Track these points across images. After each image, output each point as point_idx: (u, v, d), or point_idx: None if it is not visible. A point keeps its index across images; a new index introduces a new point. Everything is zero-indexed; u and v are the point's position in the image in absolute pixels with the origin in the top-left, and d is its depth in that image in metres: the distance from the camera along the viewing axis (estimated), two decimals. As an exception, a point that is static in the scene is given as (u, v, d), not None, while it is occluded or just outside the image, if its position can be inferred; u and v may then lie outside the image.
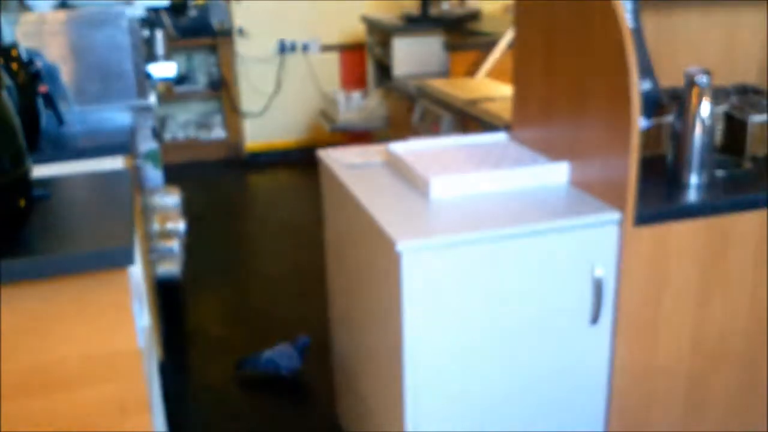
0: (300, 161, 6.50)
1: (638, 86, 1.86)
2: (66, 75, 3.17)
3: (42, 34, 3.15)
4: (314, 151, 2.64)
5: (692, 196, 2.06)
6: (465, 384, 1.97)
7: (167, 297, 3.78)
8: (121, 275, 1.61)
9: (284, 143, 6.68)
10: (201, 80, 6.55)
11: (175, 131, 6.53)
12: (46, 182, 1.98)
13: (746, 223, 2.06)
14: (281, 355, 3.15)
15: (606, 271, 1.99)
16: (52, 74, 2.91)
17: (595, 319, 2.02)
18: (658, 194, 2.07)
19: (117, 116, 3.17)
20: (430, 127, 3.96)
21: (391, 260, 1.87)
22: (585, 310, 2.01)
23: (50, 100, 2.82)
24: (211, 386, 3.23)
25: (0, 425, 1.64)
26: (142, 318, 2.04)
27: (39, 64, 2.74)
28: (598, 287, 1.99)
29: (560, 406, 2.09)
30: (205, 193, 5.83)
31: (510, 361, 2.00)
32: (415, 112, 4.23)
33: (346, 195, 2.25)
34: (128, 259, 1.57)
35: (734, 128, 2.34)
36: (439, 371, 1.94)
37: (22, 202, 1.60)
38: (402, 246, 1.80)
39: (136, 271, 2.09)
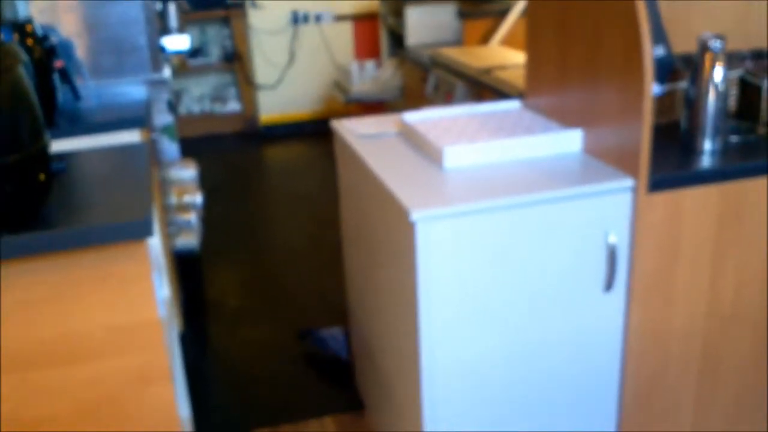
0: (315, 133, 6.52)
1: (651, 52, 1.86)
2: (81, 50, 3.19)
3: (56, 9, 3.17)
4: (329, 122, 2.66)
5: (706, 162, 2.06)
6: (481, 352, 2.00)
7: (186, 269, 3.83)
8: (140, 247, 1.64)
9: (299, 115, 6.69)
10: (215, 53, 6.56)
11: (190, 105, 6.55)
12: (65, 156, 2.01)
13: (760, 189, 2.06)
14: (332, 338, 3.16)
15: (620, 237, 2.00)
16: (67, 49, 2.93)
17: (609, 285, 2.03)
18: (672, 161, 2.07)
19: (132, 90, 3.19)
20: (443, 96, 3.96)
21: (406, 230, 1.88)
22: (599, 277, 2.03)
23: (66, 75, 2.84)
24: (231, 356, 3.27)
25: (23, 395, 1.67)
26: (162, 289, 2.07)
27: (54, 39, 2.76)
28: (612, 254, 2.00)
29: (575, 373, 2.11)
30: (221, 166, 5.87)
31: (525, 329, 2.02)
32: (429, 81, 4.23)
33: (360, 165, 2.26)
34: (147, 231, 1.60)
35: (749, 93, 2.33)
36: (454, 340, 1.96)
37: (42, 177, 1.62)
38: (416, 215, 1.81)
39: (155, 242, 2.12)
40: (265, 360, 3.22)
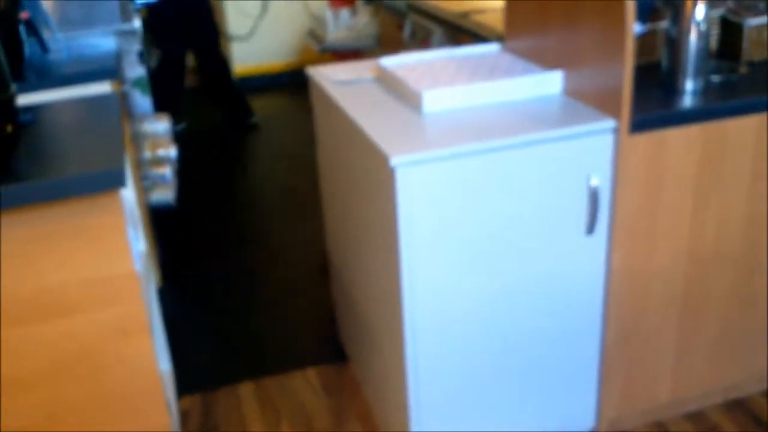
0: (290, 84, 6.44)
1: (632, -10, 1.82)
2: (47, 1, 3.10)
3: (20, -42, 3.06)
4: (304, 72, 2.60)
5: (687, 101, 2.03)
6: (463, 296, 1.98)
7: (163, 223, 3.78)
8: (113, 198, 1.60)
9: (273, 66, 6.59)
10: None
11: (163, 57, 6.42)
12: (33, 108, 1.95)
13: (742, 128, 2.04)
14: None
15: (602, 180, 1.98)
16: (32, 1, 2.84)
17: (591, 228, 2.02)
18: (654, 101, 2.04)
19: (101, 41, 3.11)
20: (420, 42, 3.90)
21: (385, 176, 1.85)
22: (581, 219, 2.01)
23: (33, 27, 2.76)
24: (212, 310, 3.25)
25: (1, 352, 1.64)
26: (138, 243, 2.04)
27: (18, -11, 2.68)
28: (594, 197, 1.98)
29: (557, 316, 2.11)
30: (196, 120, 5.78)
31: (507, 273, 2.00)
32: (405, 28, 4.16)
33: (337, 112, 2.22)
34: (119, 181, 1.56)
35: (730, 32, 2.31)
36: (436, 285, 1.94)
37: (9, 128, 1.58)
38: (395, 161, 1.78)
39: (129, 195, 2.08)
40: (246, 314, 3.20)
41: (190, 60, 5.58)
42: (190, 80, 6.33)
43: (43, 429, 1.74)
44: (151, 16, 5.12)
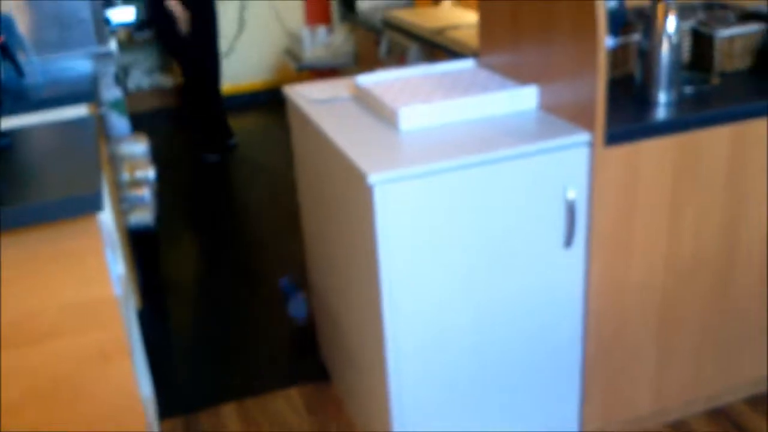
0: (268, 102, 6.43)
1: (603, 4, 1.84)
2: (22, 25, 3.09)
3: (-7, -17, 3.06)
4: (282, 91, 2.61)
5: (661, 113, 2.06)
6: (443, 312, 1.99)
7: (142, 245, 3.76)
8: (90, 222, 1.59)
9: (251, 85, 6.60)
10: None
11: (139, 79, 6.42)
12: (9, 133, 1.94)
13: (716, 138, 2.07)
14: (296, 296, 3.09)
15: (578, 193, 2.00)
16: (7, 25, 2.84)
17: (569, 241, 2.03)
18: (628, 113, 2.06)
19: (77, 64, 3.11)
20: (397, 59, 3.92)
21: (363, 194, 1.86)
22: (559, 233, 2.02)
23: (7, 52, 2.75)
24: (193, 332, 3.23)
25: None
26: (117, 266, 2.03)
27: (-8, 14, 2.67)
28: (570, 210, 2.00)
29: (538, 329, 2.11)
30: (174, 140, 5.77)
31: (486, 288, 2.01)
32: (382, 45, 4.18)
33: (314, 131, 2.22)
34: (96, 205, 1.55)
35: (701, 44, 2.34)
36: (416, 301, 1.95)
37: (-16, 154, 1.57)
38: (373, 178, 1.79)
39: (107, 218, 2.08)
40: (227, 334, 3.19)
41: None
42: (179, 98, 6.34)
43: (23, 455, 1.73)
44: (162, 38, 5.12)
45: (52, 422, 1.73)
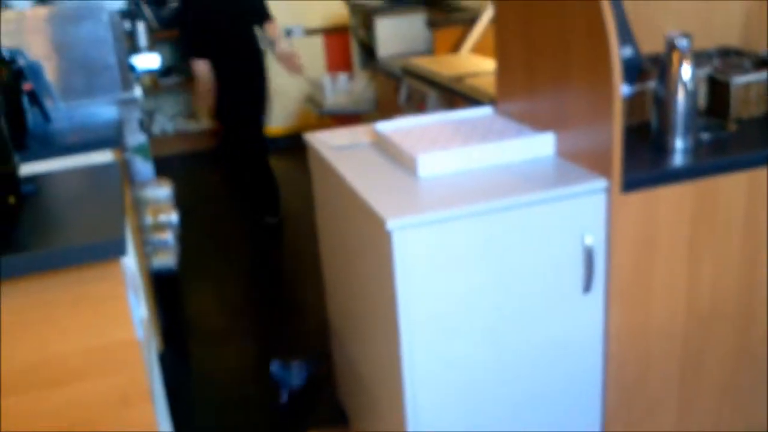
0: (289, 148, 6.48)
1: (618, 53, 1.87)
2: (50, 72, 3.17)
3: (23, 31, 3.15)
4: (303, 137, 2.65)
5: (678, 160, 2.07)
6: (462, 357, 1.99)
7: (165, 289, 3.79)
8: (114, 266, 1.62)
9: (273, 131, 6.66)
10: (186, 71, 6.52)
11: (164, 124, 6.52)
12: (35, 178, 1.98)
13: (733, 185, 2.07)
14: (290, 374, 3.07)
15: (596, 239, 2.01)
16: (35, 72, 2.91)
17: (587, 287, 2.04)
18: (644, 160, 2.08)
19: (103, 110, 3.18)
20: (416, 106, 3.96)
21: (382, 239, 1.88)
22: (577, 279, 2.03)
23: (35, 98, 2.82)
24: (213, 375, 3.24)
25: (1, 422, 1.65)
26: (139, 309, 2.05)
27: (21, 62, 2.74)
28: (588, 256, 2.01)
29: (557, 375, 2.11)
30: (197, 184, 5.83)
31: (505, 333, 2.02)
32: (401, 92, 4.23)
33: (334, 177, 2.25)
34: (120, 250, 1.58)
35: (717, 91, 2.35)
36: (435, 346, 1.95)
37: (12, 199, 1.60)
38: (392, 224, 1.81)
39: (130, 262, 2.10)
40: (247, 379, 3.20)
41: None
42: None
43: (44, 499, 1.74)
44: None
45: (72, 465, 1.74)
